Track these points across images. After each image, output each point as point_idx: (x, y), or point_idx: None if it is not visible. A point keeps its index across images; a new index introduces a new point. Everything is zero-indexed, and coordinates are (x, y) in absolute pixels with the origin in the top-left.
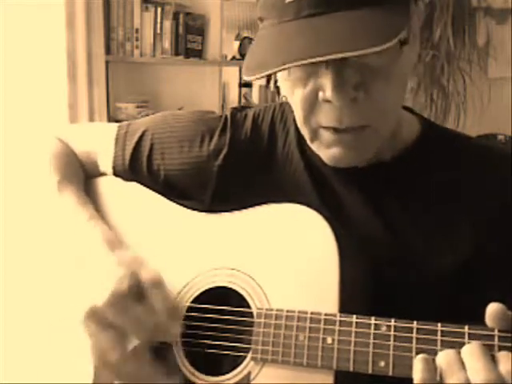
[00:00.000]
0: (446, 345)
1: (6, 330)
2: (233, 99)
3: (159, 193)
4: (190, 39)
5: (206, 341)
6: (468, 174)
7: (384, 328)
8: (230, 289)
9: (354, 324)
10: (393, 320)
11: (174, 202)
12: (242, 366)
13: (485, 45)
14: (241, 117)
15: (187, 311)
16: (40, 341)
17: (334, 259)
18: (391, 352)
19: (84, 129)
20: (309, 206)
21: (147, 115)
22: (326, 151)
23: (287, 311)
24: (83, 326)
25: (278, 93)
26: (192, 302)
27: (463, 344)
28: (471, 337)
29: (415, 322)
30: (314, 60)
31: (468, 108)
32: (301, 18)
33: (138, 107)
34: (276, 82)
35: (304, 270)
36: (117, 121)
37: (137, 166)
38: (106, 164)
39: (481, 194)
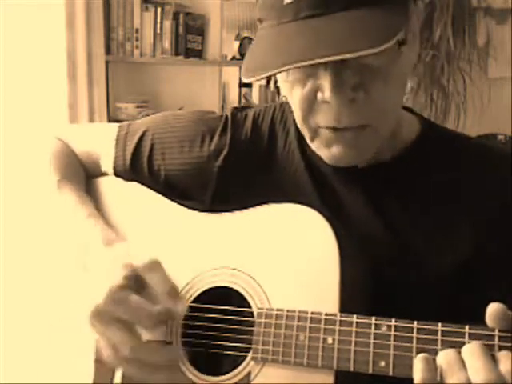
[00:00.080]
0: (447, 345)
1: (5, 329)
2: (233, 99)
3: (160, 193)
4: (190, 39)
5: (206, 340)
6: (468, 174)
7: (384, 328)
8: (231, 289)
9: (354, 324)
10: (393, 320)
11: (175, 202)
12: (242, 365)
13: (485, 45)
14: (241, 117)
15: (188, 311)
16: (40, 341)
17: (334, 259)
18: (392, 352)
19: (84, 129)
20: (309, 205)
21: (147, 115)
22: (326, 150)
23: (288, 311)
24: (90, 327)
25: (278, 93)
26: (192, 301)
27: (463, 344)
28: (471, 337)
29: (416, 322)
30: (312, 62)
31: (468, 108)
32: (299, 20)
33: (138, 107)
34: (276, 82)
35: (304, 270)
36: (117, 121)
37: (137, 167)
38: (106, 164)
39: (481, 194)
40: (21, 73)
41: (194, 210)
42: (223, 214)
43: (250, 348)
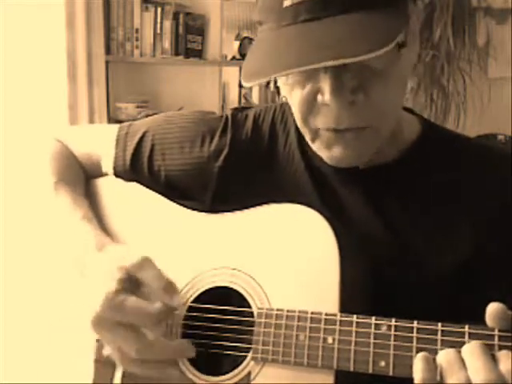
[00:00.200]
0: (447, 344)
1: (5, 330)
2: (233, 99)
3: (160, 193)
4: (190, 39)
5: (206, 340)
6: (468, 174)
7: (384, 328)
8: (231, 289)
9: (354, 324)
10: (393, 320)
11: (175, 202)
12: (242, 365)
13: (485, 45)
14: (241, 117)
15: (188, 311)
16: (40, 341)
17: (334, 259)
18: (392, 352)
19: (84, 130)
20: (309, 206)
21: (147, 115)
22: (327, 151)
23: (288, 311)
24: (95, 334)
25: (278, 93)
26: (192, 301)
27: (464, 344)
28: (472, 336)
29: (416, 322)
30: (312, 67)
31: (468, 108)
32: (299, 23)
33: (138, 107)
34: (276, 82)
35: (304, 270)
36: (117, 121)
37: (138, 167)
38: (106, 165)
39: (481, 194)
40: (21, 73)
41: (194, 210)
42: (223, 214)
43: (250, 348)
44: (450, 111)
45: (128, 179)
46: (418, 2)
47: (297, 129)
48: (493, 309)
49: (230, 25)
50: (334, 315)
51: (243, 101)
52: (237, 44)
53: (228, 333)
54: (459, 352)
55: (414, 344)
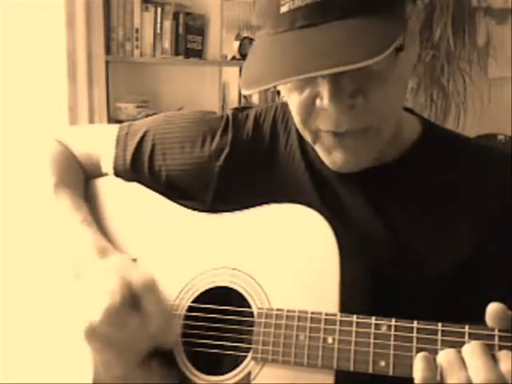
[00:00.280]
0: (447, 344)
1: (5, 330)
2: (233, 99)
3: (161, 193)
4: (189, 39)
5: (206, 340)
6: (468, 174)
7: (384, 328)
8: (231, 289)
9: (354, 324)
10: (393, 320)
11: (176, 202)
12: (242, 365)
13: (485, 45)
14: (242, 117)
15: (188, 311)
16: (40, 341)
17: (334, 259)
18: (392, 352)
19: (84, 130)
20: (309, 206)
21: (147, 115)
22: (328, 156)
23: (288, 311)
24: (85, 343)
25: (278, 93)
26: (192, 301)
27: (464, 344)
28: (472, 336)
29: (416, 322)
30: (309, 75)
31: (468, 108)
32: (296, 29)
33: (138, 107)
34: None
35: (304, 270)
36: (117, 121)
37: (138, 167)
38: (106, 165)
39: (481, 194)
40: (21, 73)
41: (194, 210)
42: (223, 214)
43: (250, 348)
44: (449, 111)
45: (128, 179)
46: (417, 2)
47: (298, 129)
48: (493, 309)
49: (229, 25)
50: (334, 315)
51: (243, 101)
52: (237, 44)
53: (228, 333)
54: (459, 352)
55: (414, 344)
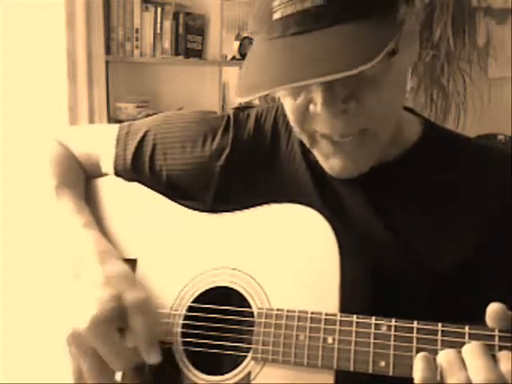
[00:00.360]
0: (447, 345)
1: (5, 330)
2: (233, 99)
3: (161, 193)
4: (189, 39)
5: (206, 340)
6: (468, 174)
7: (384, 328)
8: (231, 289)
9: (354, 324)
10: (393, 320)
11: (176, 202)
12: (242, 365)
13: (485, 45)
14: (243, 116)
15: (188, 311)
16: (40, 341)
17: (334, 259)
18: (392, 352)
19: (84, 131)
20: (310, 206)
21: (147, 115)
22: (326, 162)
23: (288, 311)
24: (64, 347)
25: None
26: (192, 301)
27: (464, 344)
28: (472, 337)
29: (416, 322)
30: (301, 83)
31: (468, 108)
32: (288, 36)
33: (138, 107)
34: None
35: (305, 270)
36: (117, 121)
37: (139, 166)
38: (106, 164)
39: (481, 194)
40: (21, 73)
41: (195, 210)
42: (224, 214)
43: (250, 348)
44: (449, 111)
45: (128, 179)
46: (416, 2)
47: None
48: (493, 309)
49: (229, 25)
50: (334, 315)
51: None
52: (237, 44)
53: (228, 333)
54: (459, 352)
55: (414, 344)
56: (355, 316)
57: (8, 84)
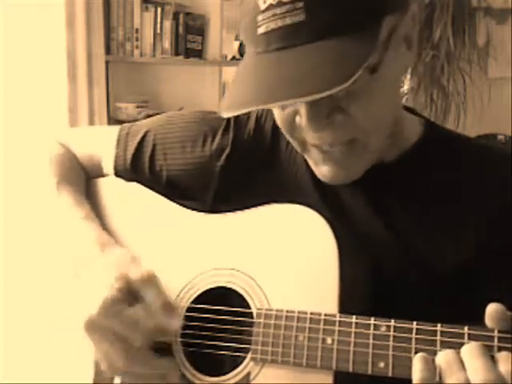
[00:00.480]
0: (446, 345)
1: (6, 329)
2: None
3: (161, 193)
4: (189, 39)
5: (206, 341)
6: (468, 174)
7: (383, 328)
8: (230, 289)
9: (353, 324)
10: (392, 320)
11: (176, 202)
12: (241, 366)
13: (485, 45)
14: (244, 117)
15: (187, 311)
16: (40, 341)
17: (333, 259)
18: (391, 352)
19: (86, 132)
20: (310, 206)
21: (147, 115)
22: (317, 169)
23: (287, 311)
24: (85, 336)
25: None
26: (192, 302)
27: (463, 345)
28: (471, 337)
29: (415, 323)
30: (282, 103)
31: (468, 108)
32: (272, 51)
33: (138, 107)
34: None
35: (304, 271)
36: (117, 121)
37: (139, 166)
38: (107, 165)
39: (481, 194)
40: (21, 73)
41: (194, 210)
42: (223, 214)
43: (249, 348)
44: (449, 111)
45: (129, 179)
46: (410, 6)
47: None
48: (492, 309)
49: (229, 25)
50: (333, 316)
51: None
52: (237, 44)
53: (227, 333)
54: (458, 353)
55: (413, 345)
56: (354, 317)
57: (8, 84)
